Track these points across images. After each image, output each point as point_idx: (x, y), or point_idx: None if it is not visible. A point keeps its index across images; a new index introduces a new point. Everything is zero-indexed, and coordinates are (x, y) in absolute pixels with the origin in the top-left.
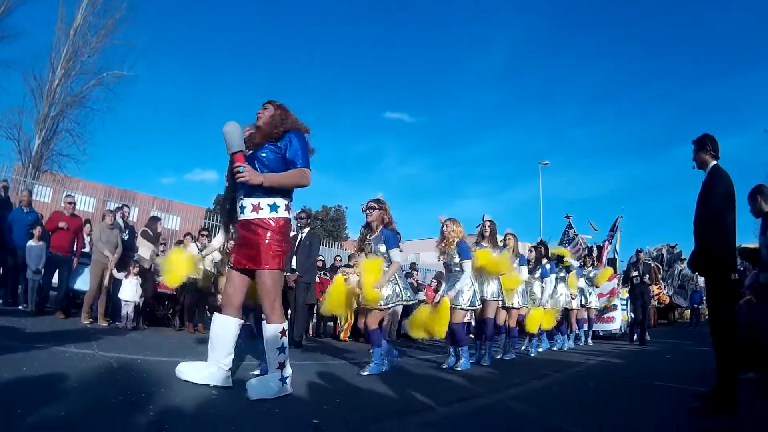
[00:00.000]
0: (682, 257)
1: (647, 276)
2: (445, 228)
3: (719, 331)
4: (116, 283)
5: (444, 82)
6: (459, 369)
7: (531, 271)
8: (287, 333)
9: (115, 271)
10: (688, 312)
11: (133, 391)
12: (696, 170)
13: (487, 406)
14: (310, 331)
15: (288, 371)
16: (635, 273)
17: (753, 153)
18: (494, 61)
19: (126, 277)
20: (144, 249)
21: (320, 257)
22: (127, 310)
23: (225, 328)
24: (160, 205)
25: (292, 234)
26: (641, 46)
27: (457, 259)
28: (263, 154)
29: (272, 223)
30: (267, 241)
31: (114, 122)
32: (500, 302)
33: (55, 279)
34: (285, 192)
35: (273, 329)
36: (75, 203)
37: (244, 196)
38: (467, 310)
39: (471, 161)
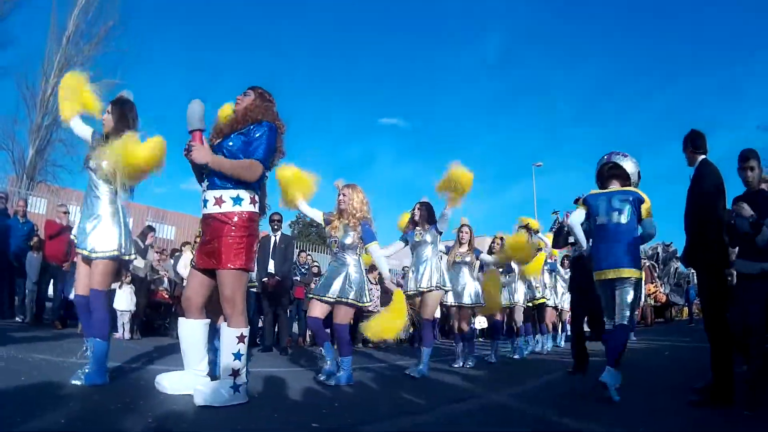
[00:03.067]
0: (677, 255)
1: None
2: (342, 197)
3: (712, 325)
4: (111, 293)
5: (437, 85)
6: (331, 384)
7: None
8: (246, 340)
9: None
10: (685, 309)
11: (132, 398)
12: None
13: (484, 406)
14: (307, 338)
15: (242, 379)
16: (572, 240)
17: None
18: (487, 61)
19: (120, 287)
20: (139, 259)
21: (316, 263)
22: (123, 320)
23: (191, 332)
24: (154, 214)
25: (264, 235)
26: (633, 42)
27: (349, 239)
28: (230, 143)
29: (235, 218)
30: (229, 238)
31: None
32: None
33: (51, 289)
34: (249, 184)
35: (230, 333)
36: (69, 212)
37: (206, 188)
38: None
39: (464, 162)
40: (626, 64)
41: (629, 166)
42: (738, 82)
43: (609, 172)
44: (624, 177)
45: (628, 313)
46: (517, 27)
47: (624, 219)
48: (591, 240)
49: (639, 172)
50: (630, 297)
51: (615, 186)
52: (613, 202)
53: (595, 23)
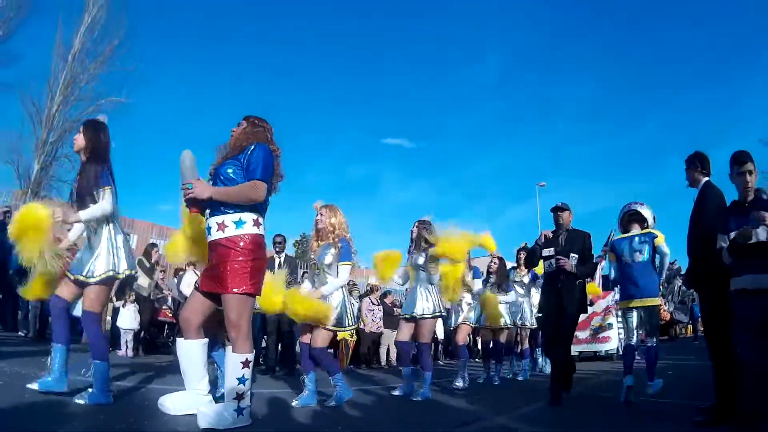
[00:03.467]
0: (682, 273)
1: (573, 259)
2: (319, 217)
3: (714, 341)
4: (115, 311)
5: (442, 105)
6: (331, 404)
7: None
8: (251, 365)
9: (113, 298)
10: (690, 327)
11: (136, 419)
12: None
13: (487, 429)
14: None
15: (246, 402)
16: (547, 252)
17: None
18: (489, 80)
19: (123, 305)
20: (142, 278)
21: None
22: (126, 338)
23: (190, 352)
24: (159, 231)
25: (269, 257)
26: (631, 58)
27: (328, 258)
28: (229, 170)
29: (241, 243)
30: (235, 263)
31: (112, 149)
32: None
33: None
34: (251, 207)
35: (235, 358)
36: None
37: (209, 216)
38: (332, 331)
39: (469, 183)
40: (626, 79)
41: (646, 212)
42: (738, 96)
43: (630, 218)
44: (642, 221)
45: (653, 334)
46: (516, 47)
47: (644, 257)
48: (618, 275)
49: (654, 216)
50: (654, 320)
51: (635, 228)
52: (634, 244)
53: (592, 40)
